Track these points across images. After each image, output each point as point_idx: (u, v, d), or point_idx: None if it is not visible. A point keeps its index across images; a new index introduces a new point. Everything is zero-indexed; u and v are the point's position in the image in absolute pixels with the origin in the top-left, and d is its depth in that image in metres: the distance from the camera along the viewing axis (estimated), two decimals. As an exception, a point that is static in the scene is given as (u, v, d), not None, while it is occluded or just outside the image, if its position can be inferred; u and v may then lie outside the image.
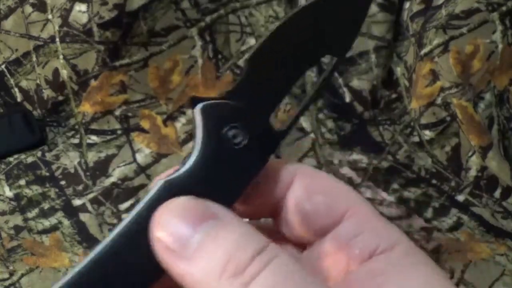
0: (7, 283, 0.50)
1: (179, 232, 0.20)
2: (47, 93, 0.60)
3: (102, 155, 0.60)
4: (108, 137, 0.61)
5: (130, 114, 0.62)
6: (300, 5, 0.25)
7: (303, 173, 0.24)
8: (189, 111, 0.63)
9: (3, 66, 0.60)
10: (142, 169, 0.59)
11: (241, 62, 0.63)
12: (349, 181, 0.60)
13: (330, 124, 0.64)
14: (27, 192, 0.56)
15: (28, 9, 0.59)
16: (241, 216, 0.24)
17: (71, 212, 0.55)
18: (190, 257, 0.20)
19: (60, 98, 0.60)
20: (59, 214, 0.55)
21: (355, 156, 0.62)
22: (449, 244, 0.55)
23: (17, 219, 0.54)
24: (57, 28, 0.58)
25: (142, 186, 0.58)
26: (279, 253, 0.20)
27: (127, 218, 0.22)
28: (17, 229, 0.54)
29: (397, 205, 0.58)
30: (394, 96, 0.66)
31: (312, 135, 0.64)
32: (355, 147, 0.63)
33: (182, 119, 0.63)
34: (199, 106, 0.23)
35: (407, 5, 0.64)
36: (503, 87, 0.62)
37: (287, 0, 0.64)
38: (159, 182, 0.21)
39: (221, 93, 0.23)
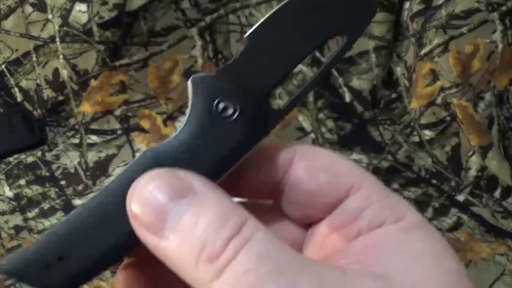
0: (7, 283, 0.50)
1: (154, 205, 0.20)
2: (47, 93, 0.60)
3: (102, 155, 0.60)
4: (108, 137, 0.61)
5: (130, 114, 0.62)
6: None
7: (303, 152, 0.23)
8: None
9: (3, 66, 0.60)
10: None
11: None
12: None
13: (330, 124, 0.64)
14: (27, 192, 0.56)
15: (28, 9, 0.59)
16: (241, 196, 0.24)
17: (71, 212, 0.55)
18: (164, 235, 0.19)
19: (60, 98, 0.60)
20: (59, 214, 0.55)
21: (355, 156, 0.62)
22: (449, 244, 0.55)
23: (17, 219, 0.54)
24: (57, 28, 0.58)
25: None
26: (257, 231, 0.19)
27: (107, 184, 0.22)
28: (17, 229, 0.54)
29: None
30: (394, 96, 0.66)
31: (312, 135, 0.64)
32: (355, 147, 0.63)
33: (182, 119, 0.63)
34: (191, 78, 0.23)
35: (407, 5, 0.64)
36: (503, 87, 0.62)
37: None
38: (143, 150, 0.21)
39: (219, 68, 0.23)
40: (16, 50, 0.60)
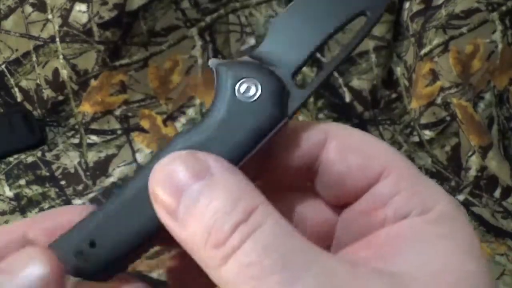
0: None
1: (171, 186, 0.19)
2: (47, 93, 0.60)
3: (102, 155, 0.60)
4: (108, 137, 0.61)
5: (130, 114, 0.62)
6: None
7: (335, 133, 0.23)
8: (189, 111, 0.63)
9: (3, 66, 0.60)
10: (138, 170, 0.59)
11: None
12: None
13: (330, 124, 0.64)
14: (27, 192, 0.56)
15: (28, 9, 0.59)
16: (276, 179, 0.23)
17: (71, 212, 0.55)
18: (178, 216, 0.19)
19: (60, 98, 0.60)
20: (59, 214, 0.55)
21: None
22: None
23: (17, 219, 0.54)
24: (57, 28, 0.58)
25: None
26: (268, 218, 0.19)
27: (140, 168, 0.22)
28: (17, 229, 0.54)
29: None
30: (394, 96, 0.66)
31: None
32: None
33: (182, 119, 0.63)
34: (214, 64, 0.23)
35: (407, 5, 0.64)
36: (503, 87, 0.62)
37: (287, 0, 0.64)
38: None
39: (244, 53, 0.23)
40: (16, 50, 0.60)
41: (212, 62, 0.23)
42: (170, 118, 0.62)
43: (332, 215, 0.24)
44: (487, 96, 0.61)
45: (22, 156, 0.59)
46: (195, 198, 0.19)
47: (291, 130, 0.23)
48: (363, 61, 0.65)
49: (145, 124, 0.62)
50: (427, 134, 0.62)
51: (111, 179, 0.58)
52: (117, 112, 0.61)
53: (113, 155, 0.60)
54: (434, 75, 0.60)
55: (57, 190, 0.57)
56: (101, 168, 0.59)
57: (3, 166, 0.58)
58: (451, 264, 0.20)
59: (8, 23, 0.59)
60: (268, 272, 0.18)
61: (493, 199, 0.59)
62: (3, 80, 0.61)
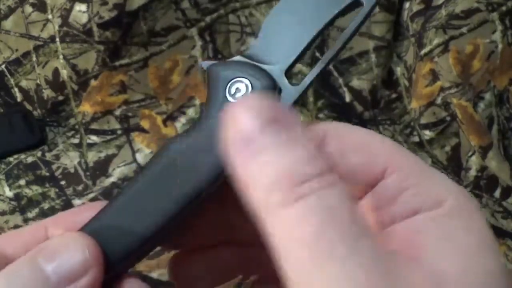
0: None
1: (246, 128, 0.19)
2: (47, 93, 0.60)
3: (102, 155, 0.60)
4: (108, 137, 0.61)
5: (130, 114, 0.62)
6: None
7: (334, 132, 0.23)
8: (189, 111, 0.63)
9: (3, 66, 0.60)
10: (142, 169, 0.59)
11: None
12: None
13: (330, 124, 0.64)
14: (27, 192, 0.56)
15: (28, 9, 0.59)
16: None
17: (71, 212, 0.55)
18: (250, 156, 0.19)
19: (60, 98, 0.60)
20: (59, 214, 0.55)
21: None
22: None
23: (17, 219, 0.54)
24: (57, 28, 0.58)
25: (142, 186, 0.58)
26: (339, 182, 0.19)
27: (151, 160, 0.25)
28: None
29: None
30: (394, 96, 0.66)
31: (312, 135, 0.64)
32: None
33: (182, 119, 0.63)
34: (206, 66, 0.23)
35: (407, 5, 0.64)
36: (503, 87, 0.62)
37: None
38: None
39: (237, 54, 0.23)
40: (16, 50, 0.60)
41: (204, 64, 0.23)
42: (170, 118, 0.62)
43: None
44: (487, 96, 0.61)
45: (22, 156, 0.59)
46: (271, 141, 0.19)
47: None
48: (363, 61, 0.65)
49: (145, 124, 0.62)
50: (427, 134, 0.62)
51: (111, 179, 0.58)
52: (117, 112, 0.61)
53: (113, 155, 0.60)
54: (434, 75, 0.60)
55: (57, 190, 0.57)
56: (101, 168, 0.59)
57: (3, 166, 0.58)
58: (476, 257, 0.20)
59: (8, 23, 0.59)
60: (320, 236, 0.18)
61: (493, 199, 0.59)
62: (3, 80, 0.61)
